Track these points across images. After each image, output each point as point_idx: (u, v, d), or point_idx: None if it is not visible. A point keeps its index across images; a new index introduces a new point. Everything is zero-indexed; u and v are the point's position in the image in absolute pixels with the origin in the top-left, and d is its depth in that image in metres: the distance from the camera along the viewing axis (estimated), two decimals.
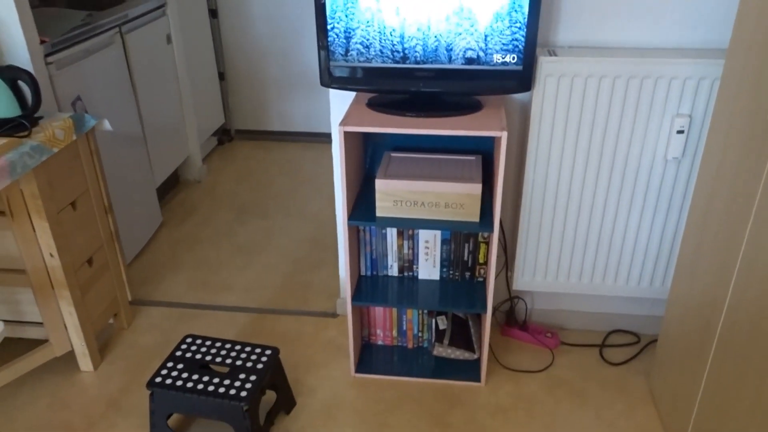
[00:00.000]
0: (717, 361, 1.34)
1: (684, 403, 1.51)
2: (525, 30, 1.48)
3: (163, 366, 1.59)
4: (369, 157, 1.85)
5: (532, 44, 1.49)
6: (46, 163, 1.63)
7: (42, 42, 1.88)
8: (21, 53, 1.80)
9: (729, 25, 1.61)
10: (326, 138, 3.55)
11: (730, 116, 1.33)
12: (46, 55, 1.90)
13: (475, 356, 1.87)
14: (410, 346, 1.97)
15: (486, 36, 1.49)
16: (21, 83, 1.62)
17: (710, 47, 1.63)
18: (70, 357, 1.91)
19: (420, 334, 1.95)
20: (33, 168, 1.57)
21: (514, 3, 1.45)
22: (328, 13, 1.51)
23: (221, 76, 3.43)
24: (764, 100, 1.18)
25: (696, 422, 1.44)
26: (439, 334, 1.89)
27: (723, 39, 1.62)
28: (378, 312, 1.93)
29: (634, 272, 1.83)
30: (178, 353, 1.64)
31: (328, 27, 1.53)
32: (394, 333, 1.96)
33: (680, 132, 1.61)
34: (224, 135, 3.59)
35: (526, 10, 1.45)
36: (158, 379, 1.55)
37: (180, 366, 1.59)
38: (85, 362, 1.88)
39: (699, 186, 1.49)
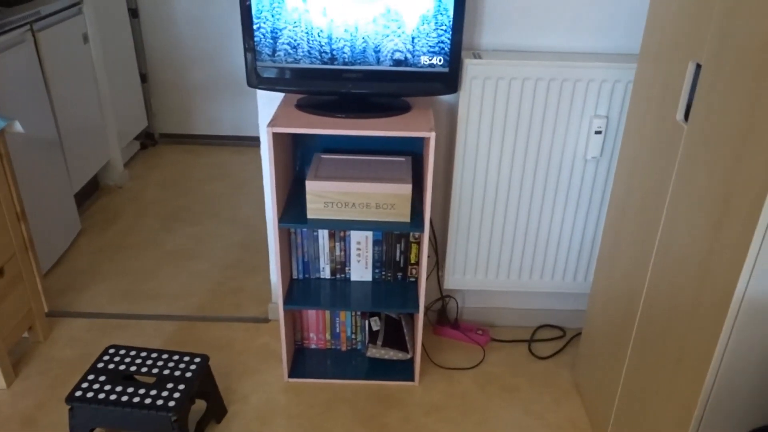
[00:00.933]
0: (636, 351, 1.41)
1: (606, 393, 1.58)
2: (450, 33, 1.50)
3: (84, 379, 1.52)
4: (299, 159, 1.83)
5: (458, 47, 1.53)
6: None
7: None
8: None
9: (641, 32, 1.70)
10: (255, 142, 3.49)
11: (642, 117, 1.41)
12: None
13: (409, 356, 1.88)
14: (344, 348, 1.97)
15: (413, 38, 1.51)
16: None
17: (624, 52, 1.72)
18: None
19: (353, 336, 1.94)
20: None
21: (440, 6, 1.48)
22: (254, 13, 1.49)
23: (143, 78, 3.31)
24: (671, 102, 1.25)
25: (618, 410, 1.51)
26: (373, 336, 1.89)
27: (635, 45, 1.71)
28: (311, 315, 1.91)
29: (558, 268, 1.90)
30: (100, 365, 1.56)
31: (255, 27, 1.51)
32: (328, 336, 1.95)
33: (598, 132, 1.69)
34: (147, 139, 3.46)
35: (451, 13, 1.48)
36: (78, 393, 1.47)
37: (102, 378, 1.52)
38: None
39: (616, 184, 1.56)
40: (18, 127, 1.71)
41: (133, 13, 3.17)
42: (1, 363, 1.75)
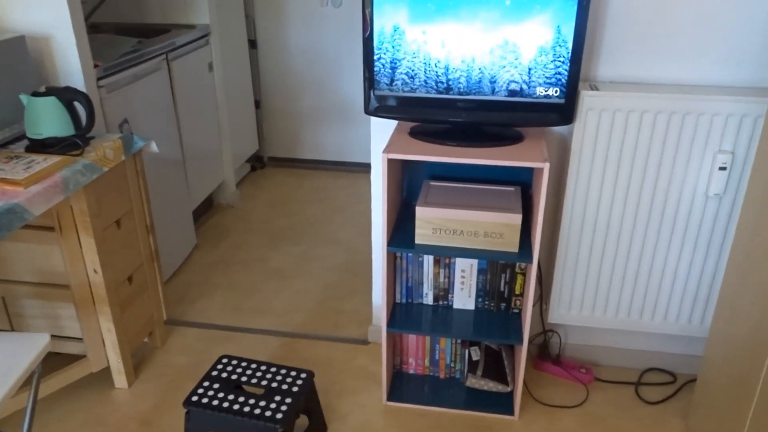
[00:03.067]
0: (762, 405, 1.31)
1: None
2: (568, 64, 1.50)
3: (200, 385, 1.61)
4: (406, 185, 1.87)
5: (575, 78, 1.52)
6: (96, 182, 1.68)
7: (95, 66, 1.96)
8: (76, 76, 1.88)
9: None
10: (357, 167, 3.59)
11: None
12: (99, 79, 1.97)
13: (509, 389, 1.85)
14: (442, 376, 1.96)
15: (530, 69, 1.52)
16: (76, 104, 1.68)
17: (753, 86, 1.64)
18: (105, 373, 1.93)
19: (452, 364, 1.94)
20: (84, 185, 1.62)
21: (558, 38, 1.48)
22: (375, 44, 1.56)
23: (257, 104, 3.51)
24: None
25: None
26: (472, 365, 1.87)
27: (766, 77, 1.63)
28: (411, 340, 1.92)
29: (672, 309, 1.81)
30: (214, 373, 1.65)
31: (375, 57, 1.57)
32: (427, 362, 1.95)
33: (722, 168, 1.61)
34: (257, 161, 3.65)
35: (570, 45, 1.48)
36: (195, 398, 1.56)
37: (216, 386, 1.60)
38: (120, 379, 1.90)
39: (742, 223, 1.48)
40: (154, 147, 1.87)
41: (252, 43, 3.38)
42: (125, 364, 1.89)
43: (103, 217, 1.73)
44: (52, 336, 1.90)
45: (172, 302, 2.37)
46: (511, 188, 1.74)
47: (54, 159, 1.59)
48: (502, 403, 1.85)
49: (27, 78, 1.74)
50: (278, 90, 3.51)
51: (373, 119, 1.84)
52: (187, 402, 1.55)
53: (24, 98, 1.61)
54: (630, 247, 1.75)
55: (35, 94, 1.62)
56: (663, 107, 1.58)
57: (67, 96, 1.64)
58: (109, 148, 1.71)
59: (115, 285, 1.81)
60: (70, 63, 1.87)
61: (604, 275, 1.80)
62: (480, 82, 1.55)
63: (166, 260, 2.44)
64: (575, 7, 1.45)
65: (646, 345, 1.99)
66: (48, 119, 1.61)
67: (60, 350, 1.92)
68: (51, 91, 1.62)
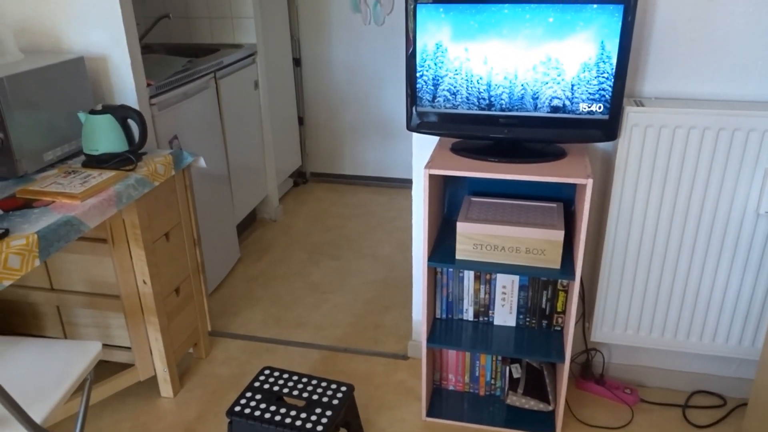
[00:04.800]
0: None
1: None
2: (612, 80, 1.49)
3: (242, 396, 1.64)
4: (447, 201, 1.88)
5: (620, 94, 1.51)
6: (147, 196, 1.74)
7: (148, 85, 2.04)
8: (130, 94, 1.96)
9: None
10: (397, 183, 3.61)
11: None
12: (151, 97, 2.05)
13: (550, 408, 1.82)
14: (482, 393, 1.95)
15: (573, 85, 1.52)
16: (130, 121, 1.75)
17: None
18: (151, 382, 1.98)
19: (492, 382, 1.92)
20: (135, 199, 1.68)
21: (602, 54, 1.48)
22: (418, 61, 1.58)
23: (300, 121, 3.58)
24: None
25: None
26: (513, 383, 1.86)
27: None
28: (451, 356, 1.92)
29: (721, 330, 1.76)
30: (257, 384, 1.68)
31: (417, 74, 1.59)
32: (467, 378, 1.94)
33: None
34: (299, 177, 3.71)
35: (614, 60, 1.47)
36: (237, 408, 1.59)
37: (258, 396, 1.63)
38: (165, 388, 1.95)
39: None
40: (202, 162, 1.93)
41: (297, 61, 3.46)
42: (171, 374, 1.93)
43: (152, 229, 1.79)
44: (103, 344, 1.97)
45: (216, 314, 2.43)
46: (554, 204, 1.73)
47: (108, 174, 1.66)
48: (543, 423, 1.82)
49: (84, 96, 1.82)
50: (321, 107, 3.57)
51: (415, 135, 1.86)
52: (230, 412, 1.58)
53: (82, 116, 1.69)
54: (677, 266, 1.71)
55: (92, 111, 1.69)
56: (710, 123, 1.56)
57: (121, 114, 1.71)
58: (159, 164, 1.77)
59: (163, 296, 1.86)
60: (125, 82, 1.95)
61: (650, 294, 1.76)
62: (522, 98, 1.56)
63: (210, 273, 2.50)
64: (620, 23, 1.44)
65: (693, 366, 1.94)
66: (103, 136, 1.69)
67: (109, 359, 1.98)
68: (107, 109, 1.70)
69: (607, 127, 1.54)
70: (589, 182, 1.48)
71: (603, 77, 1.50)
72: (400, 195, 3.50)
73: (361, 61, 3.40)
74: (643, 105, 1.60)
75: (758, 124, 1.53)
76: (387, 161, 3.61)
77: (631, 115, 1.58)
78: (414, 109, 1.64)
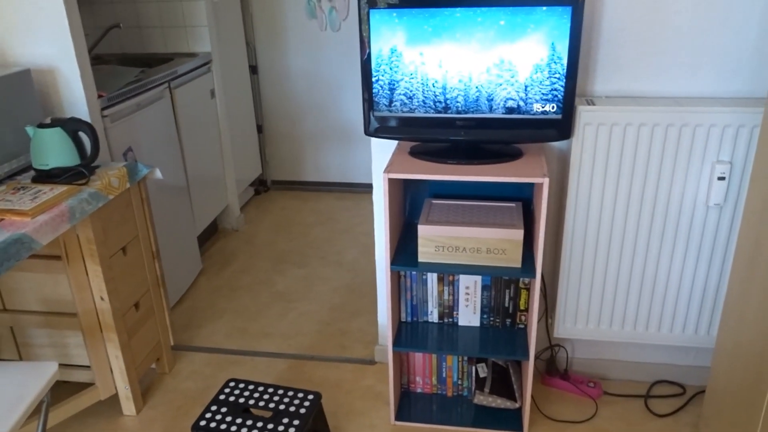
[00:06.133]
0: None
1: None
2: (564, 80, 1.52)
3: (207, 409, 1.61)
4: (408, 204, 1.89)
5: (571, 94, 1.54)
6: (101, 210, 1.70)
7: (99, 96, 2.00)
8: (80, 107, 1.91)
9: (766, 74, 1.63)
10: (360, 188, 3.61)
11: None
12: (103, 109, 2.01)
13: (517, 405, 1.84)
14: (450, 394, 1.96)
15: (526, 86, 1.54)
16: (81, 134, 1.71)
17: (748, 96, 1.66)
18: (113, 401, 1.93)
19: (460, 382, 1.93)
20: (89, 214, 1.64)
21: (553, 55, 1.50)
22: (373, 66, 1.59)
23: (259, 129, 3.55)
24: None
25: None
26: (480, 382, 1.87)
27: (761, 88, 1.65)
28: (417, 359, 1.92)
29: (677, 321, 1.81)
30: (222, 397, 1.65)
31: (373, 79, 1.60)
32: (434, 380, 1.95)
33: (721, 178, 1.62)
34: (261, 185, 3.68)
35: (565, 61, 1.51)
36: (203, 423, 1.56)
37: (223, 409, 1.60)
38: (128, 406, 1.91)
39: (743, 233, 1.49)
40: (158, 174, 1.90)
41: (253, 69, 3.43)
42: (133, 391, 1.89)
43: (109, 244, 1.75)
44: (61, 364, 1.91)
45: (179, 328, 2.38)
46: (513, 204, 1.76)
47: (60, 189, 1.61)
48: (510, 420, 1.84)
49: (32, 110, 1.77)
50: (280, 114, 3.55)
51: (374, 140, 1.86)
52: (195, 427, 1.55)
53: (30, 130, 1.64)
54: (633, 259, 1.76)
55: (41, 125, 1.65)
56: (660, 120, 1.60)
57: (71, 126, 1.66)
58: (113, 177, 1.73)
59: (122, 312, 1.82)
60: (75, 94, 1.90)
61: (609, 288, 1.80)
62: (477, 100, 1.58)
63: (172, 286, 2.45)
64: (568, 25, 1.47)
65: (654, 357, 1.98)
66: (53, 150, 1.64)
67: (68, 378, 1.92)
68: (56, 123, 1.65)
69: (561, 126, 1.57)
70: (546, 181, 1.51)
71: (555, 78, 1.53)
72: (365, 200, 3.50)
73: (319, 67, 3.39)
74: (594, 104, 1.63)
75: (705, 119, 1.58)
76: (350, 166, 3.60)
77: (584, 114, 1.62)
78: (371, 113, 1.64)
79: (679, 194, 1.67)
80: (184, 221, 2.56)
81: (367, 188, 3.60)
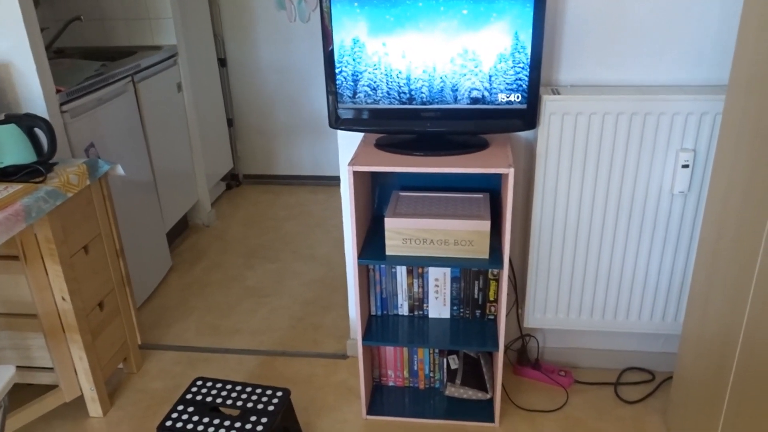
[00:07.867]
0: (734, 399, 1.32)
1: None
2: (528, 70, 1.51)
3: (174, 409, 1.58)
4: (377, 197, 1.87)
5: (536, 84, 1.53)
6: (60, 208, 1.65)
7: (58, 91, 1.94)
8: (38, 102, 1.86)
9: (728, 63, 1.64)
10: (333, 181, 3.59)
11: (734, 151, 1.35)
12: (62, 104, 1.95)
13: (488, 396, 1.84)
14: (422, 386, 1.95)
15: (490, 76, 1.53)
16: (37, 131, 1.66)
17: (711, 84, 1.67)
18: (79, 402, 1.89)
19: (431, 375, 1.93)
20: (47, 213, 1.59)
21: (517, 44, 1.49)
22: (336, 57, 1.56)
23: (230, 123, 3.50)
24: (766, 133, 1.20)
25: None
26: (451, 374, 1.87)
27: (723, 76, 1.66)
28: (389, 352, 1.91)
29: (645, 308, 1.82)
30: (189, 396, 1.62)
31: (336, 71, 1.57)
32: (406, 373, 1.94)
33: (685, 166, 1.63)
34: (232, 180, 3.63)
35: (528, 51, 1.50)
36: (169, 423, 1.53)
37: (191, 409, 1.58)
38: (94, 408, 1.87)
39: (707, 220, 1.50)
40: (120, 170, 1.85)
41: (222, 62, 3.38)
42: (99, 392, 1.85)
43: (69, 243, 1.70)
44: (24, 367, 1.86)
45: (148, 326, 2.34)
46: (480, 195, 1.75)
47: (15, 187, 1.56)
48: (482, 411, 1.84)
49: None
50: (250, 107, 3.50)
51: (340, 133, 1.84)
52: (161, 427, 1.52)
53: None
54: (600, 248, 1.76)
55: None
56: (624, 108, 1.60)
57: (26, 123, 1.61)
58: (73, 174, 1.69)
59: (85, 312, 1.78)
60: (31, 89, 1.84)
61: (577, 277, 1.80)
62: (442, 91, 1.56)
63: (140, 284, 2.41)
64: (531, 14, 1.46)
65: (623, 345, 2.00)
66: (8, 147, 1.59)
67: (31, 381, 1.88)
68: (10, 119, 1.60)
69: (526, 116, 1.57)
70: (511, 171, 1.50)
71: (519, 67, 1.52)
72: (337, 193, 3.48)
73: (289, 59, 3.35)
74: (559, 93, 1.63)
75: (669, 108, 1.59)
76: (322, 159, 3.57)
77: (548, 103, 1.61)
78: (336, 106, 1.62)
79: (645, 182, 1.67)
80: (152, 218, 2.52)
81: (339, 181, 3.57)
